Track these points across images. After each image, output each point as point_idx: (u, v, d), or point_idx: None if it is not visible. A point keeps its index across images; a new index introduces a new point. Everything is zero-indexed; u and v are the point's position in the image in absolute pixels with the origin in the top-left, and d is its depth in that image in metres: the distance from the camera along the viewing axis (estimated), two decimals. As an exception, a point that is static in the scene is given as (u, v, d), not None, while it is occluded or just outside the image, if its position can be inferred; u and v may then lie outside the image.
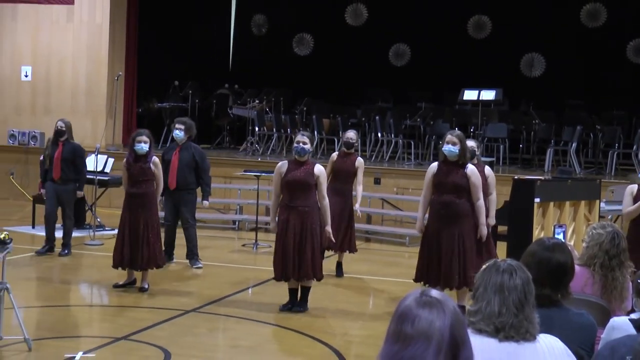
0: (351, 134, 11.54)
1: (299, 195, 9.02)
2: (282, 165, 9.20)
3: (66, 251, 12.01)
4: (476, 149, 10.66)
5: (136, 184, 10.01)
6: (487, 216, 10.24)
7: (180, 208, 11.55)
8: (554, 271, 4.08)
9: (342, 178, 11.13)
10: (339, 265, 11.30)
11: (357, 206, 11.13)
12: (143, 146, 9.94)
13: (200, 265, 11.53)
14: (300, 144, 9.11)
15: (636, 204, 8.64)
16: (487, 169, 10.57)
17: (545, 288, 3.99)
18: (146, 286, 10.01)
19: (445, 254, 8.67)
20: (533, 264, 4.02)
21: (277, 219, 9.18)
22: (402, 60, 20.75)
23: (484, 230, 8.75)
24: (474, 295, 3.52)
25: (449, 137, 8.79)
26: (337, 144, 16.52)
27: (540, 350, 3.43)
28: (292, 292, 9.33)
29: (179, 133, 11.50)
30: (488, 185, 10.40)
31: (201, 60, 20.38)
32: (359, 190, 11.14)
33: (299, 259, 9.04)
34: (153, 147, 10.20)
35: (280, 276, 9.19)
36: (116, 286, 10.09)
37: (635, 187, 8.78)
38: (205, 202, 11.96)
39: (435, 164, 8.93)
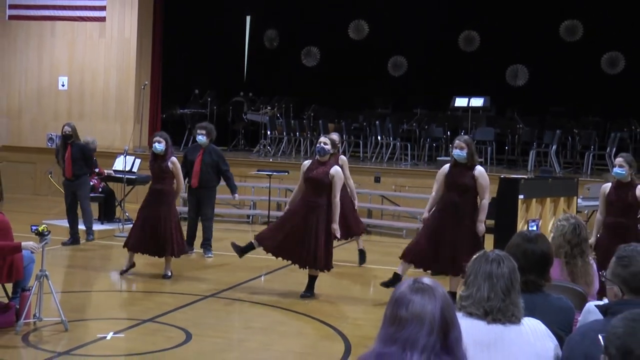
0: (334, 136, 11.50)
1: (314, 192, 9.01)
2: (306, 163, 9.22)
3: (91, 237, 12.14)
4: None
5: (156, 181, 10.07)
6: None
7: (201, 204, 11.60)
8: (539, 260, 4.07)
9: None
10: (361, 252, 11.27)
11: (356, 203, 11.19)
12: (157, 146, 9.96)
13: (211, 255, 11.55)
14: (321, 144, 9.12)
15: (594, 229, 8.71)
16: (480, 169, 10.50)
17: (531, 275, 3.99)
18: (169, 274, 10.02)
19: (444, 245, 8.65)
20: (519, 254, 4.01)
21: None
22: (400, 71, 20.73)
23: (481, 227, 8.66)
24: (466, 282, 3.53)
25: (457, 142, 8.74)
26: (345, 147, 16.49)
27: (524, 332, 3.43)
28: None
29: (201, 138, 11.50)
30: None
31: (219, 70, 20.37)
32: (350, 184, 11.07)
33: (301, 249, 9.00)
34: (171, 148, 10.19)
35: (262, 239, 9.21)
36: (122, 272, 10.07)
37: (607, 186, 8.70)
38: (236, 196, 12.01)
39: (447, 166, 8.85)
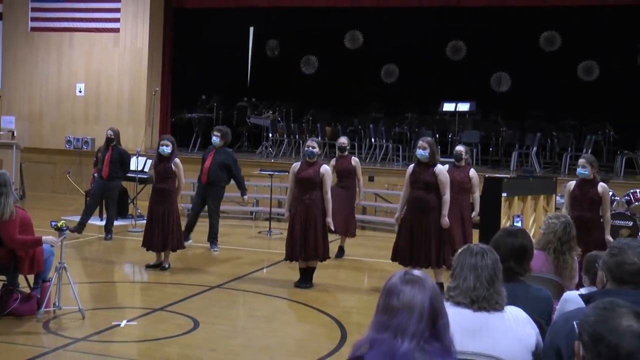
0: (343, 139, 11.55)
1: (307, 190, 9.06)
2: (296, 165, 9.27)
3: (109, 236, 12.11)
4: (463, 154, 10.65)
5: (160, 180, 10.07)
6: (472, 210, 10.23)
7: (207, 199, 11.60)
8: (519, 251, 4.11)
9: (342, 176, 11.16)
10: (341, 248, 11.31)
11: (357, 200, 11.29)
12: (164, 149, 9.99)
13: (216, 249, 11.54)
14: (310, 148, 9.18)
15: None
16: (472, 170, 10.57)
17: (511, 263, 4.02)
18: (167, 265, 10.06)
19: (417, 240, 8.66)
20: (502, 246, 4.06)
21: (289, 209, 9.22)
22: (392, 78, 20.71)
23: (444, 222, 8.61)
24: (452, 274, 3.54)
25: (420, 142, 8.82)
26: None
27: (507, 319, 3.44)
28: (302, 271, 9.35)
29: (216, 139, 11.54)
30: (472, 184, 10.41)
31: (224, 77, 20.36)
32: (360, 186, 11.16)
33: (305, 243, 9.07)
34: (176, 150, 10.20)
35: (290, 257, 9.24)
36: (148, 266, 10.14)
37: (572, 184, 8.82)
38: (245, 197, 12.08)
39: (411, 166, 8.95)
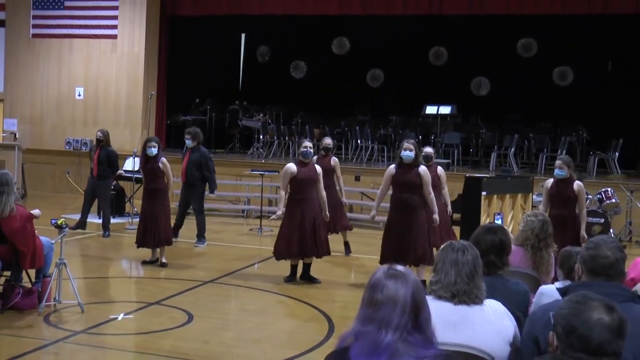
0: (328, 140, 11.52)
1: (305, 189, 8.99)
2: (291, 166, 9.07)
3: (107, 233, 12.11)
4: (433, 154, 10.74)
5: (150, 180, 10.03)
6: (445, 205, 10.27)
7: (189, 199, 11.64)
8: (498, 247, 4.12)
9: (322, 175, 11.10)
10: (346, 243, 11.28)
11: (343, 199, 11.26)
12: (152, 150, 9.97)
13: (201, 246, 11.55)
14: (308, 149, 9.13)
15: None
16: (439, 168, 10.61)
17: (491, 257, 4.05)
18: (165, 261, 10.03)
19: (402, 240, 8.61)
20: (482, 242, 4.07)
21: (283, 208, 9.08)
22: (377, 82, 20.72)
23: (436, 219, 8.66)
24: (435, 269, 3.54)
25: (406, 144, 8.72)
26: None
27: (486, 312, 3.45)
28: (293, 267, 9.33)
29: (188, 141, 11.59)
30: (440, 181, 10.44)
31: (217, 82, 20.32)
32: (341, 184, 11.13)
33: (305, 240, 8.98)
34: (161, 151, 10.20)
35: (285, 255, 9.14)
36: (144, 262, 10.11)
37: (550, 182, 8.88)
38: (212, 194, 12.03)
39: (393, 166, 8.79)
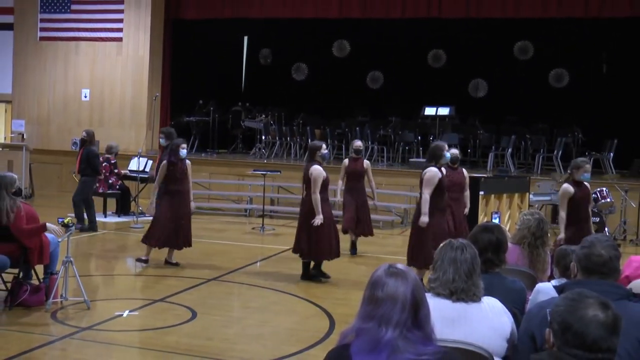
0: (359, 142, 11.33)
1: (322, 189, 8.96)
2: (320, 168, 8.96)
3: (78, 226, 12.01)
4: (459, 156, 10.62)
5: (177, 181, 9.70)
6: (464, 206, 9.95)
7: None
8: (494, 244, 4.14)
9: (353, 178, 10.97)
10: (353, 244, 11.22)
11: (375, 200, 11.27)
12: (185, 152, 9.82)
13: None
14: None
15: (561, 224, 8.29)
16: (464, 171, 10.41)
17: (489, 254, 4.07)
18: (176, 262, 9.97)
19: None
20: (479, 240, 4.08)
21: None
22: (377, 84, 20.71)
23: (424, 219, 8.32)
24: (434, 267, 3.54)
25: (446, 145, 8.85)
26: (330, 150, 16.47)
27: (484, 309, 3.45)
28: (306, 265, 9.33)
29: (161, 140, 11.27)
30: (465, 184, 10.21)
31: (220, 83, 20.32)
32: (372, 186, 11.04)
33: (335, 238, 9.20)
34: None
35: (329, 254, 9.20)
36: (139, 260, 10.01)
37: (569, 188, 8.36)
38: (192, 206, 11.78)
39: (435, 170, 8.47)
